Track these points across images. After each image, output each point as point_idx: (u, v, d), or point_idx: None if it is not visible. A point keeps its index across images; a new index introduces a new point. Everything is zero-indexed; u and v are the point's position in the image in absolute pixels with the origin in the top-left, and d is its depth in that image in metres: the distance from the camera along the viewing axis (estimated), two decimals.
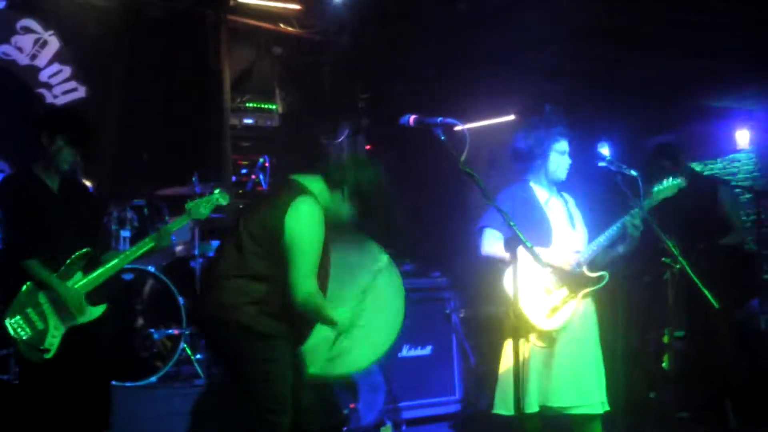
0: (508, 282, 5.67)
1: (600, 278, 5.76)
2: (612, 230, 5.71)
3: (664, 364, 5.75)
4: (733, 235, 7.81)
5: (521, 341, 5.66)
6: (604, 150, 5.74)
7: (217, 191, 6.06)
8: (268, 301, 4.89)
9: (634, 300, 5.83)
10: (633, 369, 6.03)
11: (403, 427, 7.78)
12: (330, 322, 5.03)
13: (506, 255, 4.96)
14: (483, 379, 8.15)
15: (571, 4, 8.66)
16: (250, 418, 4.94)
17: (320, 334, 5.21)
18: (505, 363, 5.84)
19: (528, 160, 5.97)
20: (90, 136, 5.89)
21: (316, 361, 5.24)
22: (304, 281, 4.82)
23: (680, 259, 5.50)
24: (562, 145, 5.93)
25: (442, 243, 10.29)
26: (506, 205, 5.67)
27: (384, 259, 5.46)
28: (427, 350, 8.17)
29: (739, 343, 7.87)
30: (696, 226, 7.34)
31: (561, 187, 6.09)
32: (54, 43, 8.80)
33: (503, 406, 5.74)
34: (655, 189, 5.82)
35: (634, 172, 5.62)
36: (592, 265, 5.76)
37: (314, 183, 5.05)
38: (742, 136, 11.41)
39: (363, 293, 5.33)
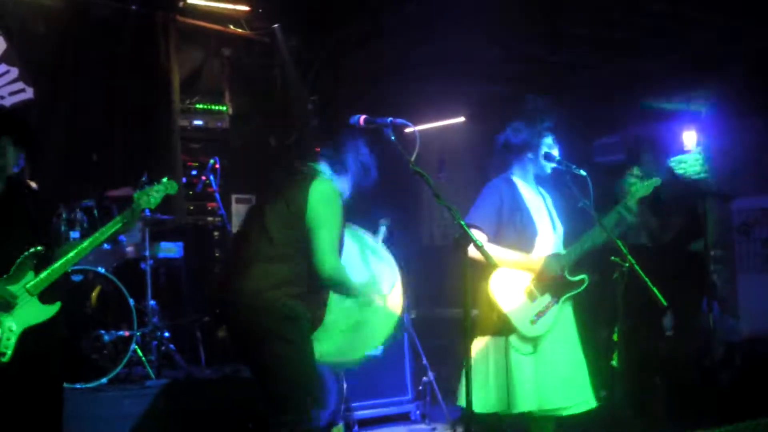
0: (495, 285, 5.64)
1: (581, 282, 5.80)
2: (588, 238, 5.74)
3: (613, 362, 5.80)
4: (700, 242, 7.90)
5: (500, 343, 5.70)
6: (554, 151, 5.80)
7: (165, 179, 5.95)
8: (292, 283, 5.03)
9: (583, 299, 5.85)
10: None
11: (355, 428, 7.78)
12: (354, 293, 5.33)
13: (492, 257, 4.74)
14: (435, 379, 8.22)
15: (515, 8, 8.74)
16: (281, 402, 5.03)
17: (332, 317, 5.42)
18: (482, 363, 5.73)
19: (519, 153, 5.94)
20: (34, 136, 5.81)
21: (330, 344, 5.46)
22: (329, 256, 5.03)
23: (629, 257, 5.54)
24: (549, 140, 5.94)
25: (389, 244, 10.29)
26: (493, 200, 5.73)
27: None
28: (379, 350, 8.15)
29: (688, 342, 7.97)
30: (671, 227, 7.39)
31: (539, 182, 6.08)
32: (0, 44, 8.72)
33: (486, 404, 5.66)
34: (634, 188, 5.87)
35: (583, 172, 5.67)
36: (573, 268, 5.79)
37: (323, 168, 5.32)
38: (689, 138, 11.52)
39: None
